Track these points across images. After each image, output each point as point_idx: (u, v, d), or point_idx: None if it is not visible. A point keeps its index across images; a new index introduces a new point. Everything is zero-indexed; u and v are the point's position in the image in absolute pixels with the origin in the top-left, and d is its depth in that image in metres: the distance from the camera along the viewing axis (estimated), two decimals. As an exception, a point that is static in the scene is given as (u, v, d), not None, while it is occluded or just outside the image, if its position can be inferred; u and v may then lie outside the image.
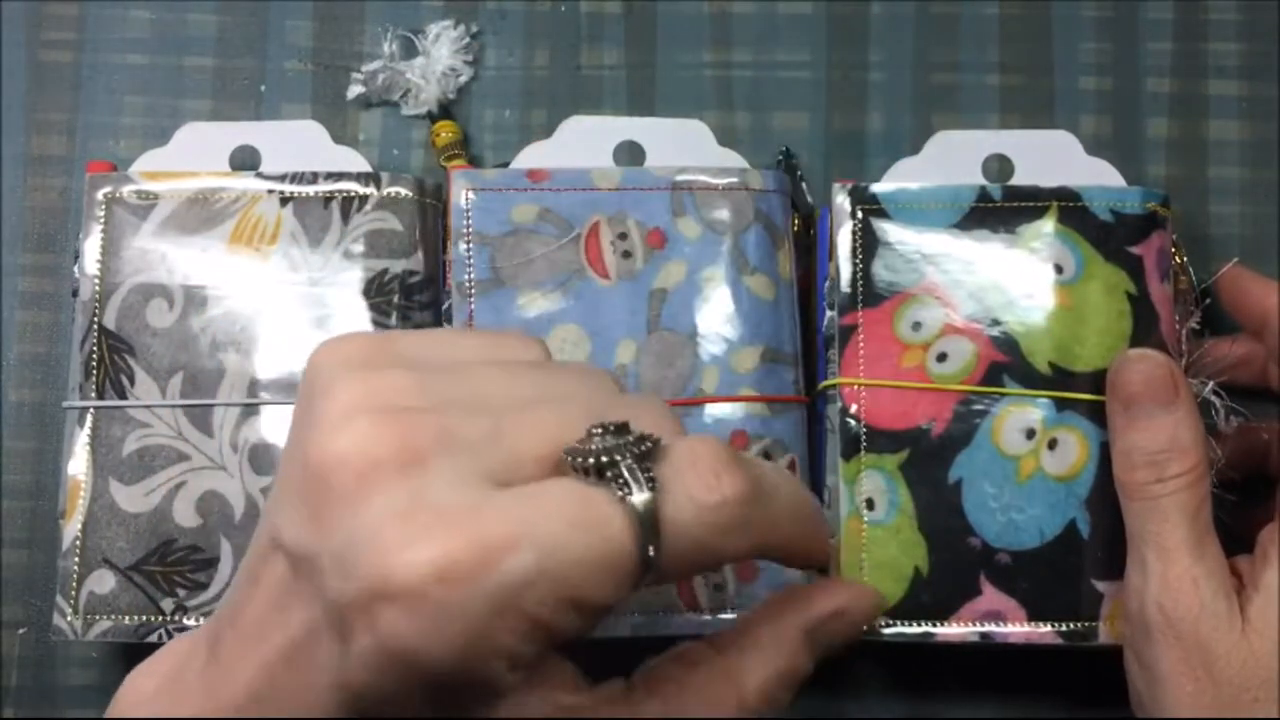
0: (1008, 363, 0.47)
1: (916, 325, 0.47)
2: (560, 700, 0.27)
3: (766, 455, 0.46)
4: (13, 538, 0.50)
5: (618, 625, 0.45)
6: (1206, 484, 0.42)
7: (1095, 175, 0.50)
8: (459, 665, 0.24)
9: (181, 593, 0.45)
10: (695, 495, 0.27)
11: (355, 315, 0.47)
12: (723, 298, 0.47)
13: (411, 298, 0.47)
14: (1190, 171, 0.52)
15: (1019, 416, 0.46)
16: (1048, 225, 0.48)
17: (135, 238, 0.47)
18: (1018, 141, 0.51)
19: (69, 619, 0.45)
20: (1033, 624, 0.45)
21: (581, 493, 0.25)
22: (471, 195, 0.48)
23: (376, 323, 0.47)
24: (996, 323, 0.47)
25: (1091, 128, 0.52)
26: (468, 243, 0.48)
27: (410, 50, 0.52)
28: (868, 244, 0.48)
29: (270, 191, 0.48)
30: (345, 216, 0.48)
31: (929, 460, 0.46)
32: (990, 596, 0.45)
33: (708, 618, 0.45)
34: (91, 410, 0.46)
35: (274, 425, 0.46)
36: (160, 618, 0.45)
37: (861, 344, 0.47)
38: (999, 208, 0.48)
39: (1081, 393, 0.46)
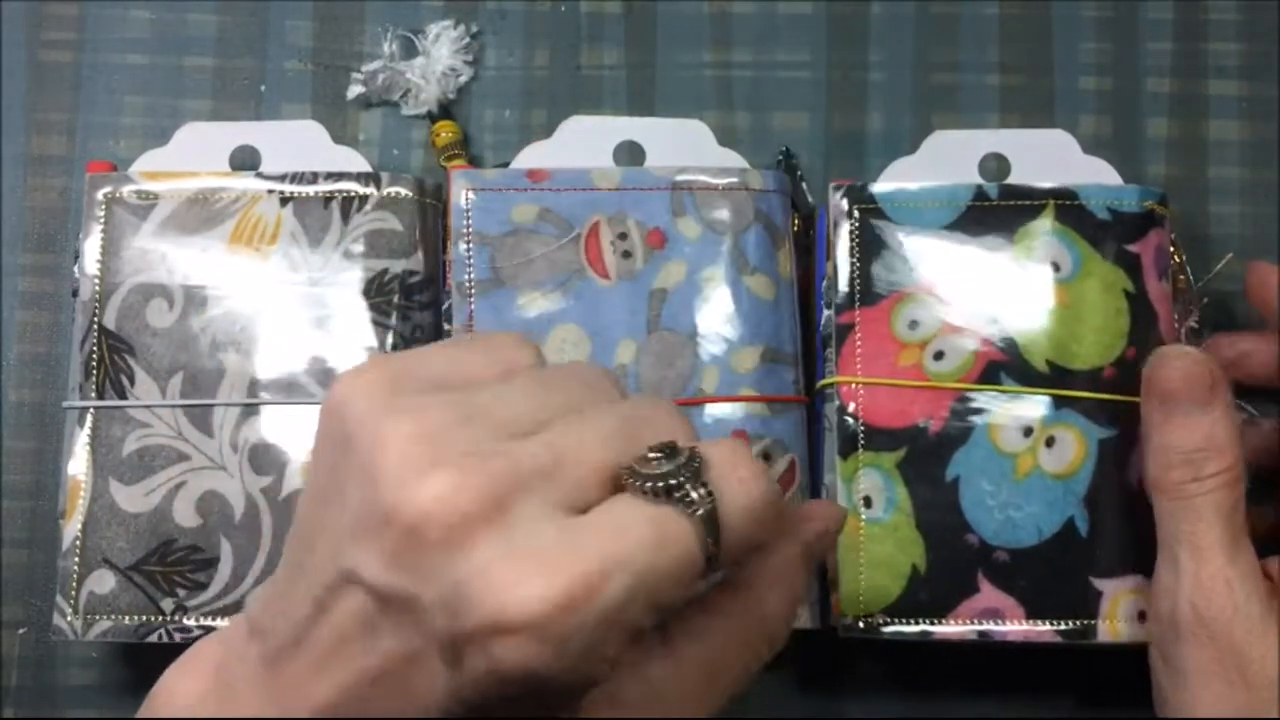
0: (1005, 361, 0.47)
1: (914, 324, 0.47)
2: (646, 672, 0.31)
3: (766, 455, 0.47)
4: (13, 538, 0.50)
5: None
6: (1242, 485, 0.42)
7: (1092, 174, 0.50)
8: (571, 678, 0.28)
9: (181, 593, 0.45)
10: (741, 498, 0.30)
11: (355, 315, 0.47)
12: (723, 298, 0.47)
13: (411, 298, 0.48)
14: (1190, 171, 0.52)
15: (1016, 414, 0.46)
16: (1045, 224, 0.48)
17: (135, 238, 0.47)
18: (1015, 141, 0.51)
19: (69, 619, 0.45)
20: (1031, 622, 0.45)
21: (653, 513, 0.29)
22: (471, 195, 0.48)
23: (376, 323, 0.47)
24: (994, 321, 0.47)
25: (1091, 128, 0.53)
26: (468, 243, 0.48)
27: (410, 50, 0.52)
28: (865, 243, 0.48)
29: (270, 191, 0.48)
30: (345, 216, 0.48)
31: (926, 458, 0.46)
32: (988, 594, 0.45)
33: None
34: (91, 410, 0.46)
35: (274, 425, 0.46)
36: (160, 618, 0.45)
37: (859, 343, 0.47)
38: (996, 207, 0.48)
39: (1079, 390, 0.46)
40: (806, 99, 0.53)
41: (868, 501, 0.46)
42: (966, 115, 0.53)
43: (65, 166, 0.52)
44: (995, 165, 0.50)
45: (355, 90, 0.52)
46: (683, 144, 0.50)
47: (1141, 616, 0.45)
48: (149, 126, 0.52)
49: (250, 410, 0.46)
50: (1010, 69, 0.53)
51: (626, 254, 0.48)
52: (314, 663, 0.30)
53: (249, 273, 0.47)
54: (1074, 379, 0.46)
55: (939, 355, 0.47)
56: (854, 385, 0.47)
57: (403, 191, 0.48)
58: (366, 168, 0.50)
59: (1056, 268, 0.47)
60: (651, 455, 0.30)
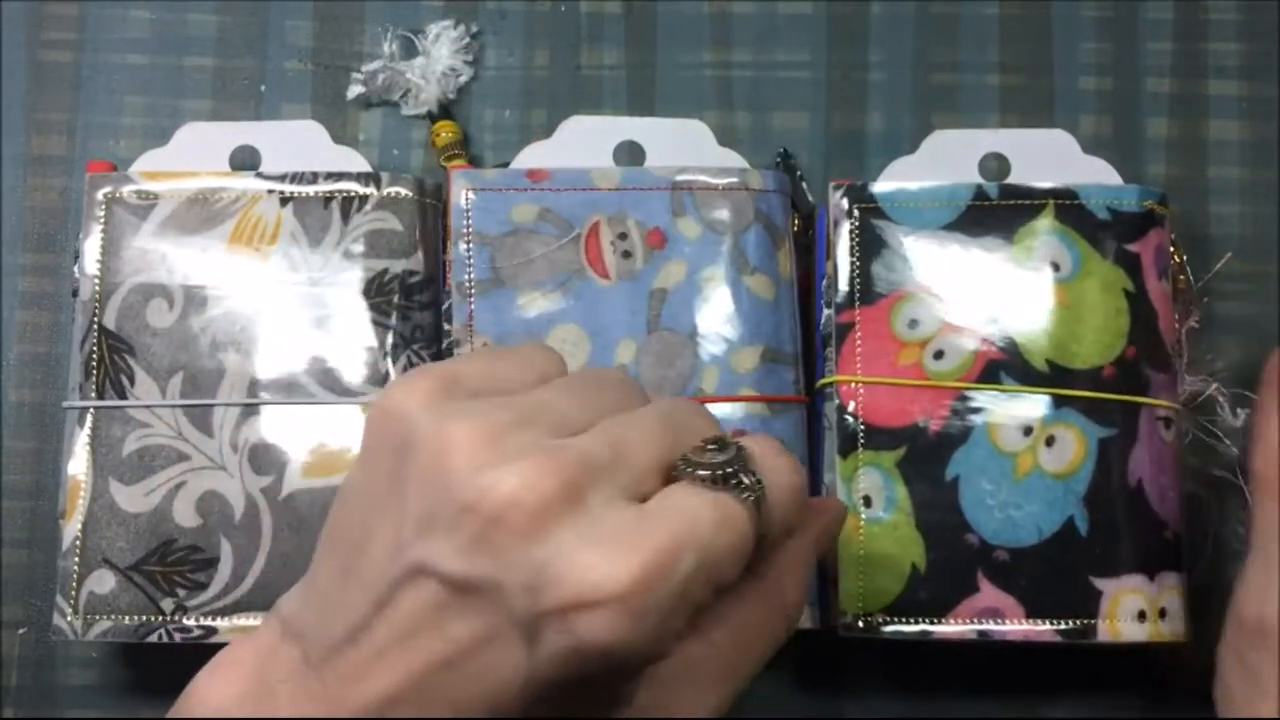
0: (1005, 360, 0.47)
1: (913, 323, 0.47)
2: (682, 653, 0.33)
3: (766, 455, 0.47)
4: (13, 538, 0.50)
5: None
6: None
7: (1092, 174, 0.50)
8: (645, 651, 0.29)
9: (181, 593, 0.45)
10: (782, 487, 0.33)
11: (355, 315, 0.47)
12: (723, 298, 0.47)
13: (411, 298, 0.48)
14: (1190, 171, 0.52)
15: (1016, 414, 0.46)
16: (1044, 223, 0.48)
17: (135, 238, 0.47)
18: (1014, 140, 0.51)
19: (69, 619, 0.45)
20: (1031, 621, 0.45)
21: (713, 498, 0.31)
22: (471, 195, 0.48)
23: (376, 323, 0.47)
24: (993, 320, 0.47)
25: (1091, 128, 0.53)
26: (468, 243, 0.48)
27: (410, 50, 0.52)
28: (865, 243, 0.48)
29: (270, 191, 0.48)
30: (345, 216, 0.48)
31: (926, 457, 0.46)
32: (988, 594, 0.45)
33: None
34: (91, 410, 0.46)
35: (274, 425, 0.46)
36: (160, 618, 0.45)
37: (859, 342, 0.47)
38: (995, 206, 0.48)
39: (1079, 390, 0.46)
40: (806, 99, 0.53)
41: (867, 501, 0.46)
42: (966, 115, 0.53)
43: (65, 166, 0.52)
44: (995, 165, 0.50)
45: (355, 90, 0.52)
46: (683, 144, 0.50)
47: (1141, 616, 0.45)
48: (149, 126, 0.52)
49: (250, 410, 0.46)
50: (1010, 69, 0.53)
51: (626, 254, 0.48)
52: (372, 656, 0.31)
53: (249, 273, 0.47)
54: (1074, 378, 0.46)
55: (939, 354, 0.47)
56: (854, 384, 0.47)
57: (403, 191, 0.48)
58: (366, 168, 0.50)
59: (1056, 267, 0.47)
60: (707, 447, 0.32)
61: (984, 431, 0.46)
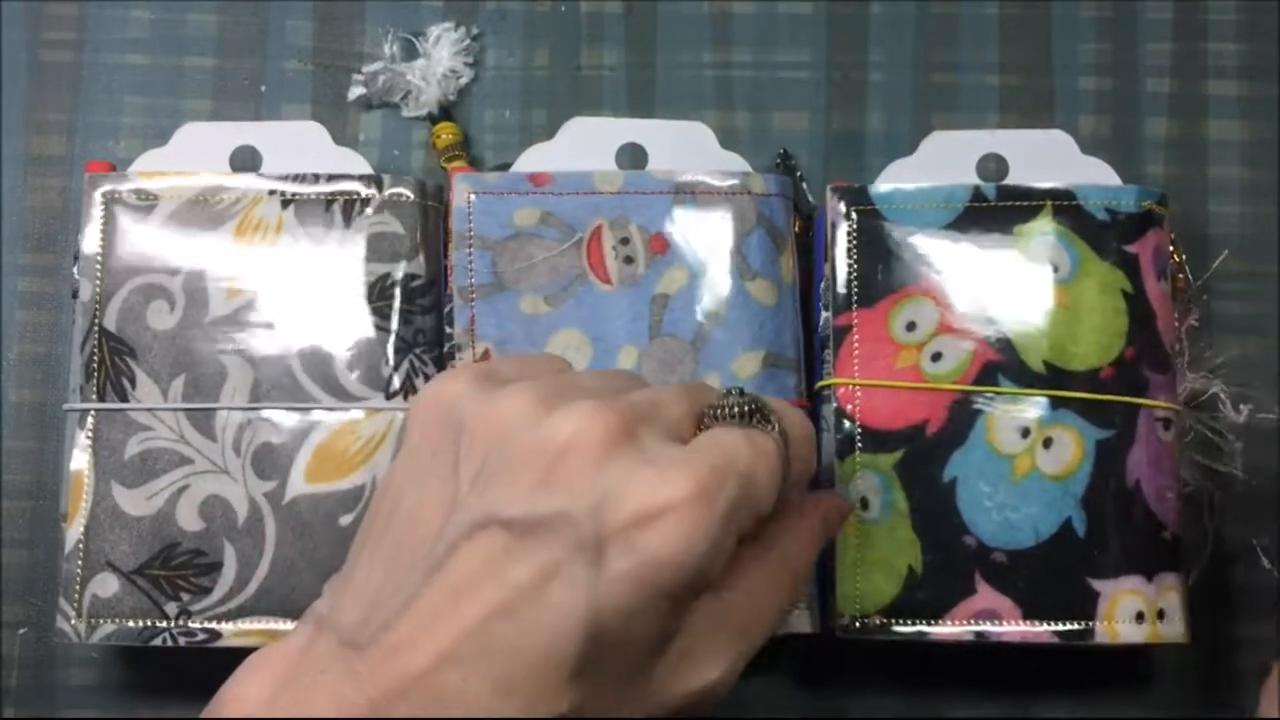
0: (1002, 362, 0.47)
1: (911, 325, 0.47)
2: (702, 606, 0.35)
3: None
4: (13, 538, 0.50)
5: None
6: None
7: (1091, 174, 0.50)
8: (701, 566, 0.32)
9: (185, 597, 0.45)
10: (797, 428, 0.36)
11: (357, 319, 0.47)
12: (724, 303, 0.47)
13: (413, 301, 0.47)
14: (1189, 171, 0.53)
15: (1014, 415, 0.46)
16: (1043, 224, 0.48)
17: (135, 238, 0.47)
18: (1013, 141, 0.51)
19: (73, 622, 0.45)
20: (1028, 623, 0.46)
21: (744, 434, 0.34)
22: (473, 198, 0.48)
23: (378, 327, 0.47)
24: (991, 322, 0.47)
25: (1091, 128, 0.53)
26: (469, 246, 0.48)
27: (411, 52, 0.52)
28: (862, 244, 0.48)
29: (271, 193, 0.48)
30: (347, 219, 0.48)
31: (923, 460, 0.46)
32: (986, 595, 0.46)
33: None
34: (93, 412, 0.46)
35: (277, 429, 0.46)
36: (164, 621, 0.45)
37: (856, 344, 0.47)
38: (994, 207, 0.48)
39: (1077, 391, 0.46)
40: (806, 99, 0.53)
41: (865, 503, 0.46)
42: (966, 115, 0.53)
43: (65, 166, 0.52)
44: (994, 166, 0.50)
45: (356, 91, 0.52)
46: (685, 146, 0.50)
47: (1139, 617, 0.45)
48: (149, 126, 0.52)
49: (253, 414, 0.46)
50: (1010, 69, 0.53)
51: (628, 259, 0.48)
52: (425, 621, 0.31)
53: (250, 275, 0.47)
54: (1072, 380, 0.47)
55: (936, 356, 0.47)
56: (851, 387, 0.47)
57: (404, 194, 0.48)
58: (367, 169, 0.50)
59: (1055, 268, 0.47)
60: (729, 396, 0.36)
61: (982, 433, 0.46)
